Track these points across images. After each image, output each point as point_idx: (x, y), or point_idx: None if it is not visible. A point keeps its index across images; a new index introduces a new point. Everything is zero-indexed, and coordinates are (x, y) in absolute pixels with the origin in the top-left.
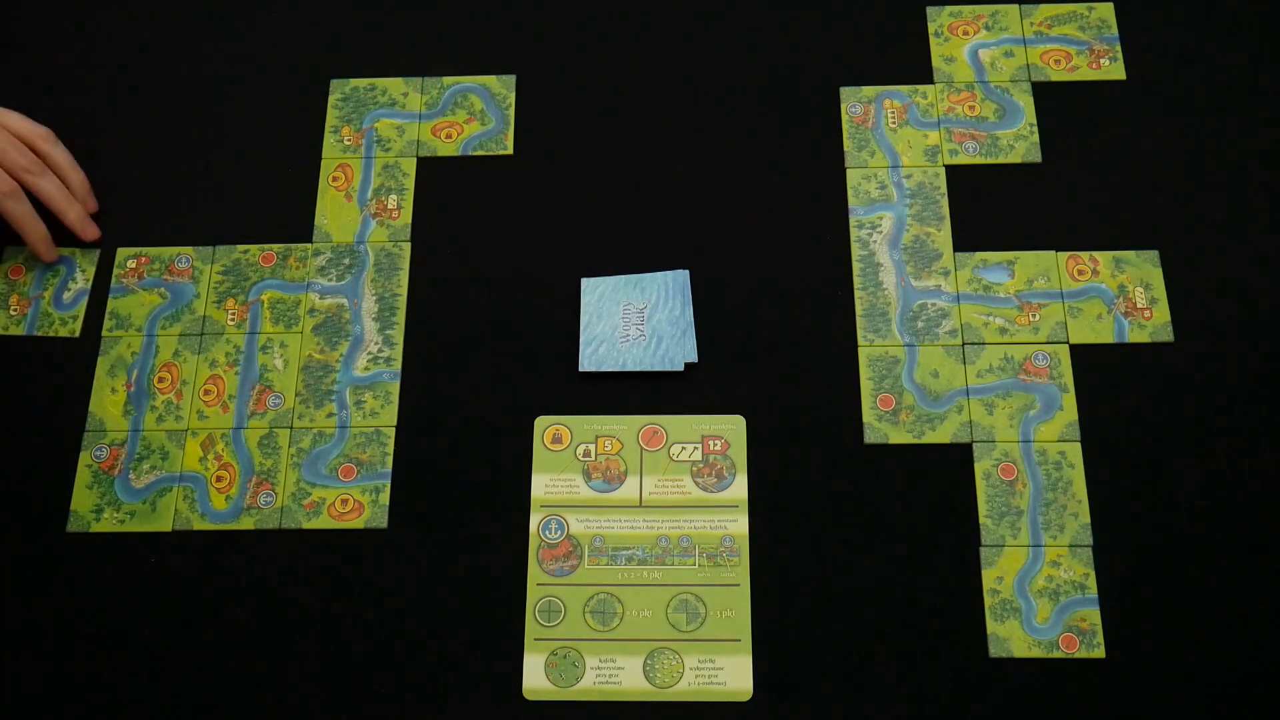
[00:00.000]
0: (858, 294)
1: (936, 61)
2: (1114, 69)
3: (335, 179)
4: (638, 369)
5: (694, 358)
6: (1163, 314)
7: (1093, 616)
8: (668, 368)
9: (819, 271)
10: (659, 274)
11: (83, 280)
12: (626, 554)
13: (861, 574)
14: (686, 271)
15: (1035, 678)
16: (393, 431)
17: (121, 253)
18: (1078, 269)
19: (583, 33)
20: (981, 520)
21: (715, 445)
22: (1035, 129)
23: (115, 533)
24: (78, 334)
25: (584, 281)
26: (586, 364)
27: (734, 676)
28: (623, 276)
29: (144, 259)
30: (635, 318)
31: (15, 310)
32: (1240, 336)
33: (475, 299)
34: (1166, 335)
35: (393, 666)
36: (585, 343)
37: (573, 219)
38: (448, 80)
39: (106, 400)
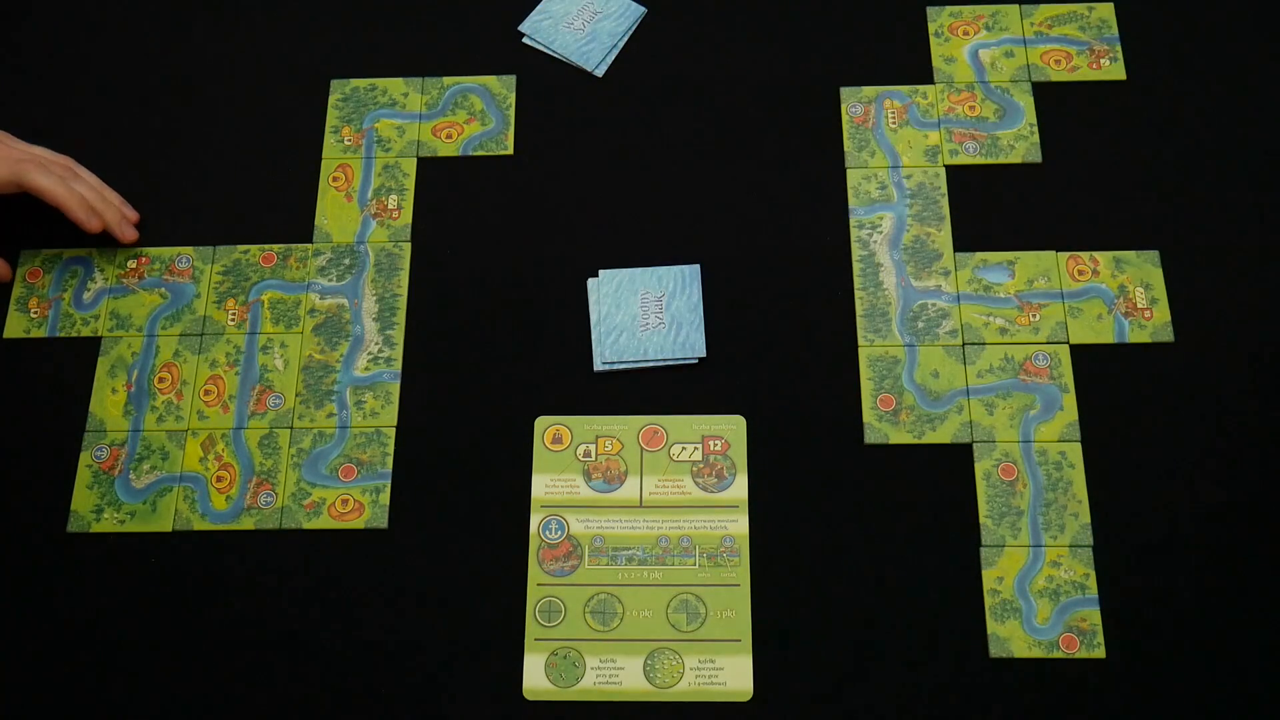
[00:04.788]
0: (858, 294)
1: (937, 62)
2: (1114, 69)
3: (335, 179)
4: (659, 357)
5: (704, 352)
6: (1163, 314)
7: (1093, 616)
8: (688, 354)
9: (819, 271)
10: (674, 266)
11: (101, 280)
12: (627, 554)
13: (861, 574)
14: (698, 265)
15: (1035, 678)
16: (393, 431)
17: (121, 253)
18: (1078, 269)
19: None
20: (981, 520)
21: (715, 445)
22: (1035, 129)
23: (115, 533)
24: (100, 334)
25: (601, 273)
26: (608, 354)
27: (734, 676)
28: (638, 269)
29: (144, 259)
30: (654, 305)
31: (36, 313)
32: (1240, 336)
33: (475, 299)
34: (1166, 335)
35: (393, 666)
36: (605, 334)
37: (572, 219)
38: (448, 80)
39: (107, 400)
